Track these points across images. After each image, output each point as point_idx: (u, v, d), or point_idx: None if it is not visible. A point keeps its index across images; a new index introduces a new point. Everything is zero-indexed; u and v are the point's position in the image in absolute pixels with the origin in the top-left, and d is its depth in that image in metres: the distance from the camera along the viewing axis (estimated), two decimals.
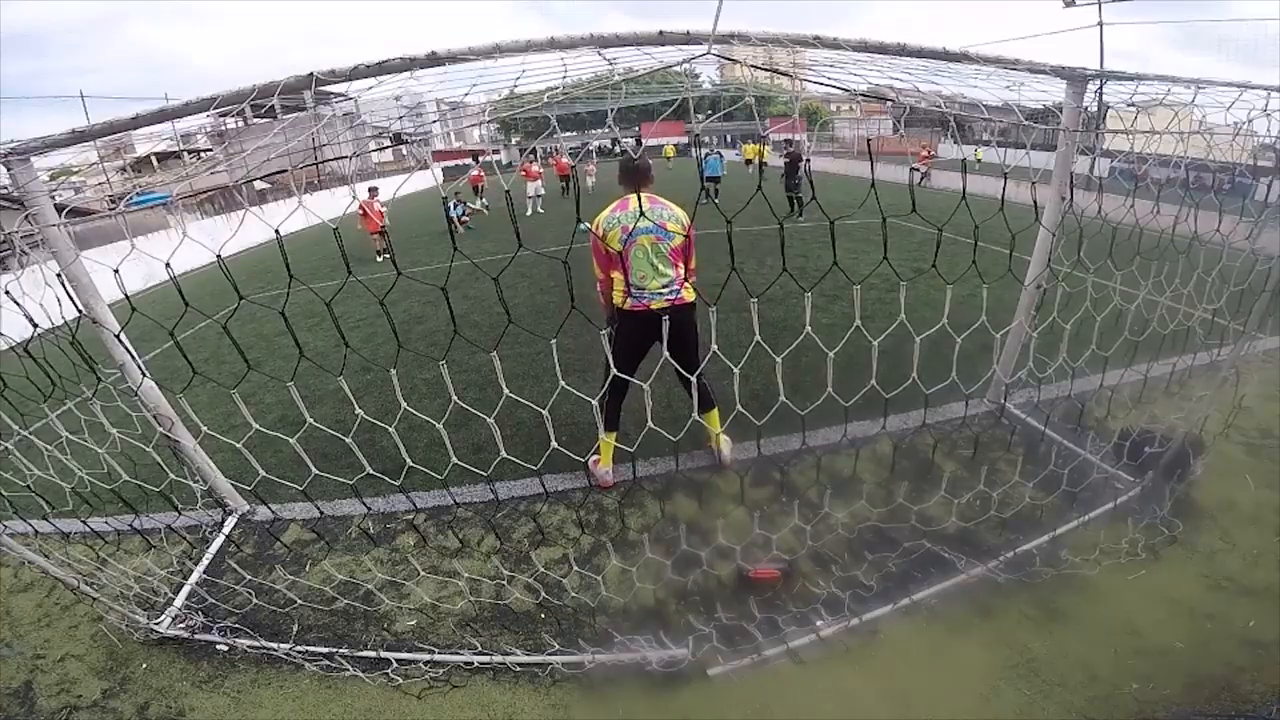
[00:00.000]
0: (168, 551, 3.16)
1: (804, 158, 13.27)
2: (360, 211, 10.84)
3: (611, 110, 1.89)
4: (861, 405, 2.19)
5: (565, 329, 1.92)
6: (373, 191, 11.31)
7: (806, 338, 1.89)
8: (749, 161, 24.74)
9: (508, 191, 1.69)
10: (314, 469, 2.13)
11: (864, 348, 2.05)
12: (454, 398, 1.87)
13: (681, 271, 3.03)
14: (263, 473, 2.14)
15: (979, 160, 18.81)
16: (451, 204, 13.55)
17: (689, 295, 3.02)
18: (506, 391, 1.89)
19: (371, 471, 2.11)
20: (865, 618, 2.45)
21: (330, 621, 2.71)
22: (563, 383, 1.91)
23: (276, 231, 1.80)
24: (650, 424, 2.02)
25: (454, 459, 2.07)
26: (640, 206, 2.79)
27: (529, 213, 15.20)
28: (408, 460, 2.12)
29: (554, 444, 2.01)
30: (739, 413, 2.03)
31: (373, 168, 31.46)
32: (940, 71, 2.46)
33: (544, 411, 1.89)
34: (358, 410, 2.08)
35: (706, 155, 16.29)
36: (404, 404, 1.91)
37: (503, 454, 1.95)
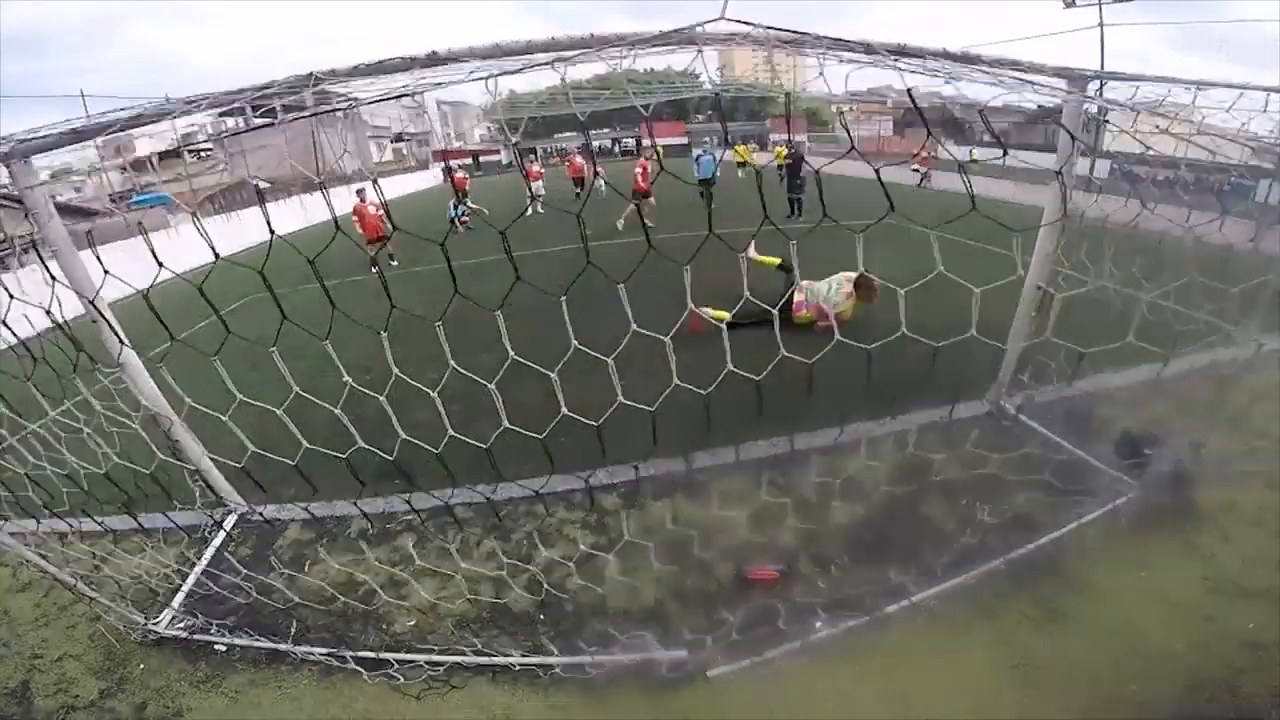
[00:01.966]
0: (166, 551, 3.15)
1: (804, 158, 13.00)
2: (354, 216, 9.94)
3: (610, 111, 1.89)
4: (861, 405, 2.19)
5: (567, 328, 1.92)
6: (360, 194, 10.20)
7: (807, 337, 1.89)
8: (741, 164, 22.90)
9: (523, 184, 1.68)
10: (309, 482, 2.12)
11: (865, 349, 2.04)
12: (455, 400, 1.87)
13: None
14: (258, 481, 2.14)
15: (974, 160, 18.74)
16: (451, 204, 13.51)
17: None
18: (509, 392, 1.89)
19: (365, 482, 2.11)
20: (865, 618, 2.45)
21: (329, 621, 2.70)
22: (559, 382, 1.91)
23: (273, 232, 1.80)
24: (652, 423, 2.02)
25: (459, 463, 2.06)
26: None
27: (529, 213, 15.10)
28: (406, 470, 2.12)
29: (555, 441, 2.01)
30: (740, 413, 2.03)
31: (373, 168, 31.48)
32: (940, 72, 2.45)
33: (563, 407, 1.89)
34: (356, 414, 2.08)
35: (698, 156, 14.68)
36: (402, 408, 1.90)
37: (503, 453, 1.94)
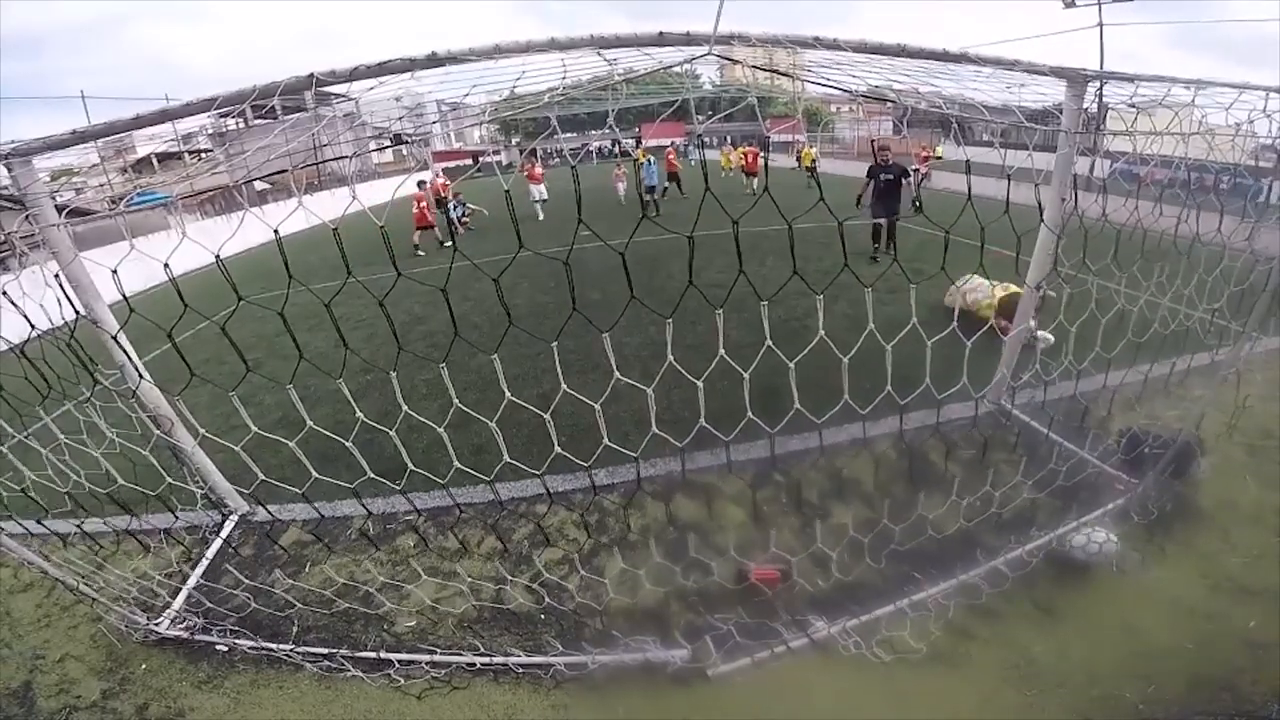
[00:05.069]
0: (167, 552, 3.16)
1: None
2: (418, 201, 11.43)
3: (611, 111, 1.90)
4: (864, 406, 2.19)
5: (566, 330, 1.92)
6: (422, 185, 12.00)
7: (806, 339, 1.90)
8: (723, 169, 21.26)
9: (507, 191, 1.69)
10: (314, 473, 2.13)
11: (867, 349, 2.05)
12: (455, 400, 1.88)
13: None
14: (261, 476, 2.14)
15: (939, 157, 18.51)
16: (451, 204, 13.45)
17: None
18: (509, 395, 1.89)
19: (372, 475, 2.11)
20: (865, 618, 2.45)
21: (330, 622, 2.70)
22: (564, 386, 1.91)
23: (276, 231, 1.81)
24: (654, 428, 2.02)
25: (456, 463, 2.07)
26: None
27: (540, 218, 14.47)
28: (409, 463, 2.12)
29: (556, 447, 2.01)
30: (745, 414, 2.04)
31: (373, 169, 31.44)
32: (940, 73, 2.46)
33: (546, 415, 1.90)
34: (358, 413, 2.08)
35: (649, 161, 13.21)
36: (404, 406, 1.91)
37: (505, 458, 1.95)
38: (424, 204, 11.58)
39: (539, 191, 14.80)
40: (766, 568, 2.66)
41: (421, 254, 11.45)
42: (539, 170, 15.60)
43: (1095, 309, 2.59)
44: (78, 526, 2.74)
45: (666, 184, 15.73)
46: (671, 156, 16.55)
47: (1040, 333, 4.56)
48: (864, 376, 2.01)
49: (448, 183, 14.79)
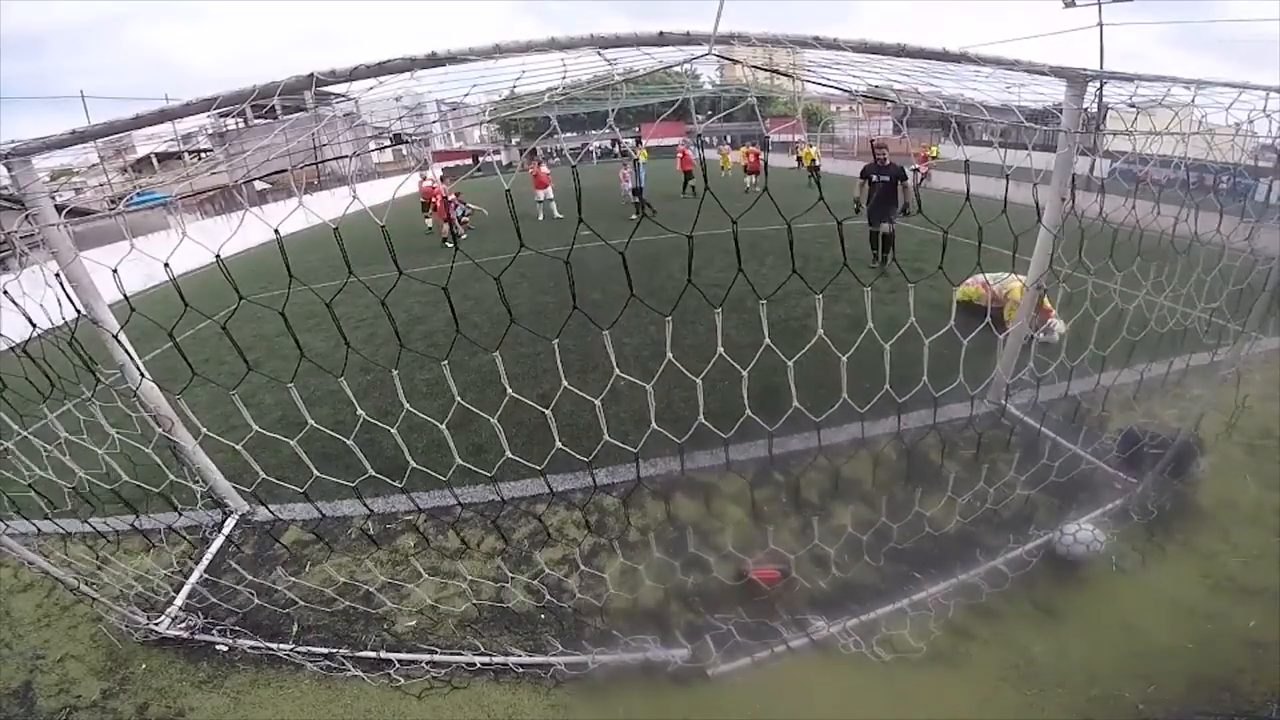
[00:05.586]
0: (167, 552, 3.16)
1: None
2: (427, 198, 12.32)
3: (611, 111, 1.90)
4: (863, 405, 2.19)
5: (566, 329, 1.92)
6: (426, 178, 12.81)
7: (805, 339, 1.90)
8: (721, 169, 21.71)
9: (508, 191, 1.69)
10: (315, 470, 2.13)
11: (866, 349, 2.05)
12: (457, 398, 1.88)
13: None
14: (263, 474, 2.14)
15: (935, 156, 18.56)
16: (452, 204, 13.43)
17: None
18: (510, 392, 1.89)
19: (373, 473, 2.11)
20: (865, 617, 2.45)
21: (330, 622, 2.70)
22: (565, 383, 1.91)
23: (276, 231, 1.81)
24: (654, 424, 2.02)
25: (458, 460, 2.07)
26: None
27: (540, 218, 14.15)
28: (411, 461, 2.12)
29: (557, 442, 2.01)
30: (744, 414, 2.04)
31: (373, 168, 31.43)
32: (940, 73, 2.46)
33: (547, 411, 1.90)
34: (359, 411, 2.08)
35: (638, 162, 12.84)
36: (406, 404, 1.91)
37: (508, 453, 1.95)
38: (440, 199, 12.28)
39: (544, 194, 14.31)
40: (766, 567, 2.66)
41: (446, 244, 12.29)
42: (545, 171, 15.13)
43: (1091, 308, 2.59)
44: (83, 523, 2.74)
45: (690, 181, 16.00)
46: (685, 154, 16.31)
47: (1052, 320, 4.50)
48: (864, 376, 2.02)
49: (434, 186, 13.90)
